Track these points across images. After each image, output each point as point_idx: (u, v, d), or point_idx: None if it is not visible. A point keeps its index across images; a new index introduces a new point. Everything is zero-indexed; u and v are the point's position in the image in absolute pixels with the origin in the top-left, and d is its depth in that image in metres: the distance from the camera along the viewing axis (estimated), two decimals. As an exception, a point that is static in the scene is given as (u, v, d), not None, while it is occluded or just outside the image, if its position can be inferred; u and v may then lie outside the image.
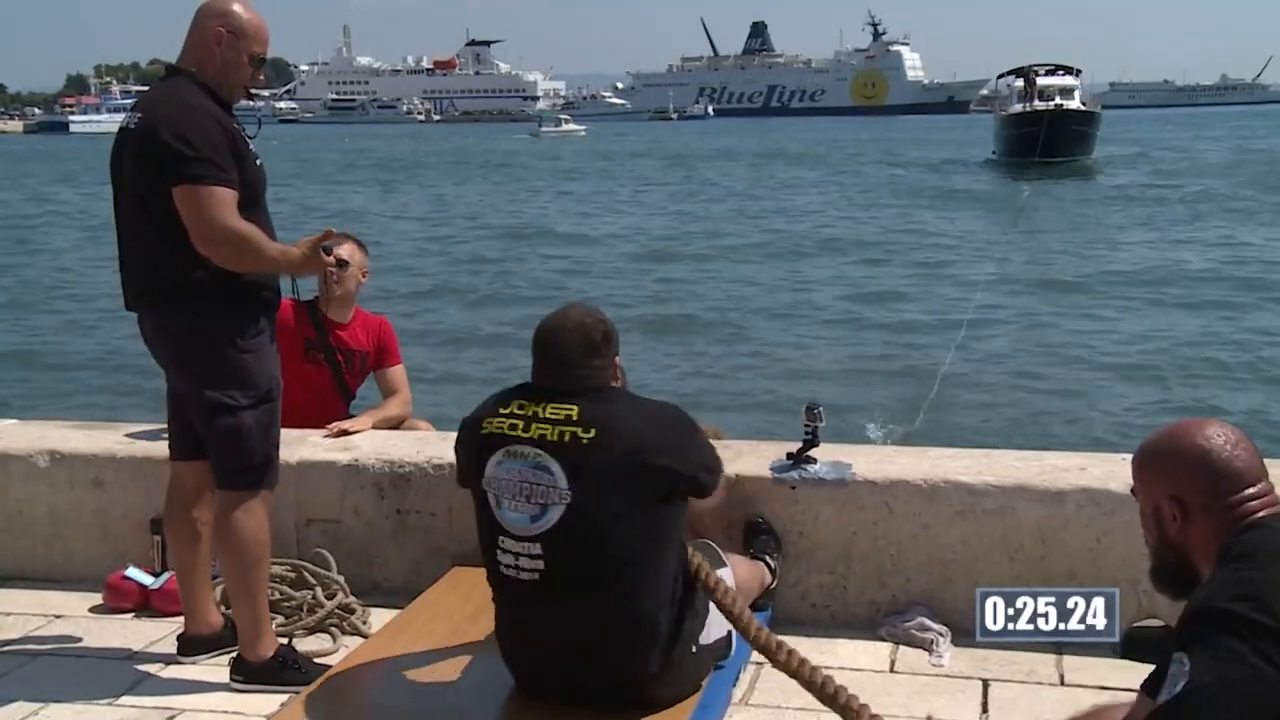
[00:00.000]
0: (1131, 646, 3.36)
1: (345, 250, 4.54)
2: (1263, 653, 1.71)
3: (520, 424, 2.71)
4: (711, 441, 3.03)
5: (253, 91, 3.33)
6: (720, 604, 2.81)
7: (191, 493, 3.39)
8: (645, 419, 2.72)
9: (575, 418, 2.67)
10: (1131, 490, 2.13)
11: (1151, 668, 2.20)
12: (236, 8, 3.21)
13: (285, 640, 3.43)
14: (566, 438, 2.66)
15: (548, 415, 2.69)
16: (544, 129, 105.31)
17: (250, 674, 3.27)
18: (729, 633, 2.98)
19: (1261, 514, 1.94)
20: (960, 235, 25.45)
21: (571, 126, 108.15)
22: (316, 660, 3.42)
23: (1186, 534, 2.00)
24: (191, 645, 3.49)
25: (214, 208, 3.03)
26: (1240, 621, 1.73)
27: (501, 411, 2.75)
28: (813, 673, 2.54)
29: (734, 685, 3.17)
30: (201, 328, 3.16)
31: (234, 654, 3.35)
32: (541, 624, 2.75)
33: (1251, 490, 1.96)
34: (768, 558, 3.57)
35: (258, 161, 3.21)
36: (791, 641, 3.49)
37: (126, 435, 4.27)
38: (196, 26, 3.21)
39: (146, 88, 3.60)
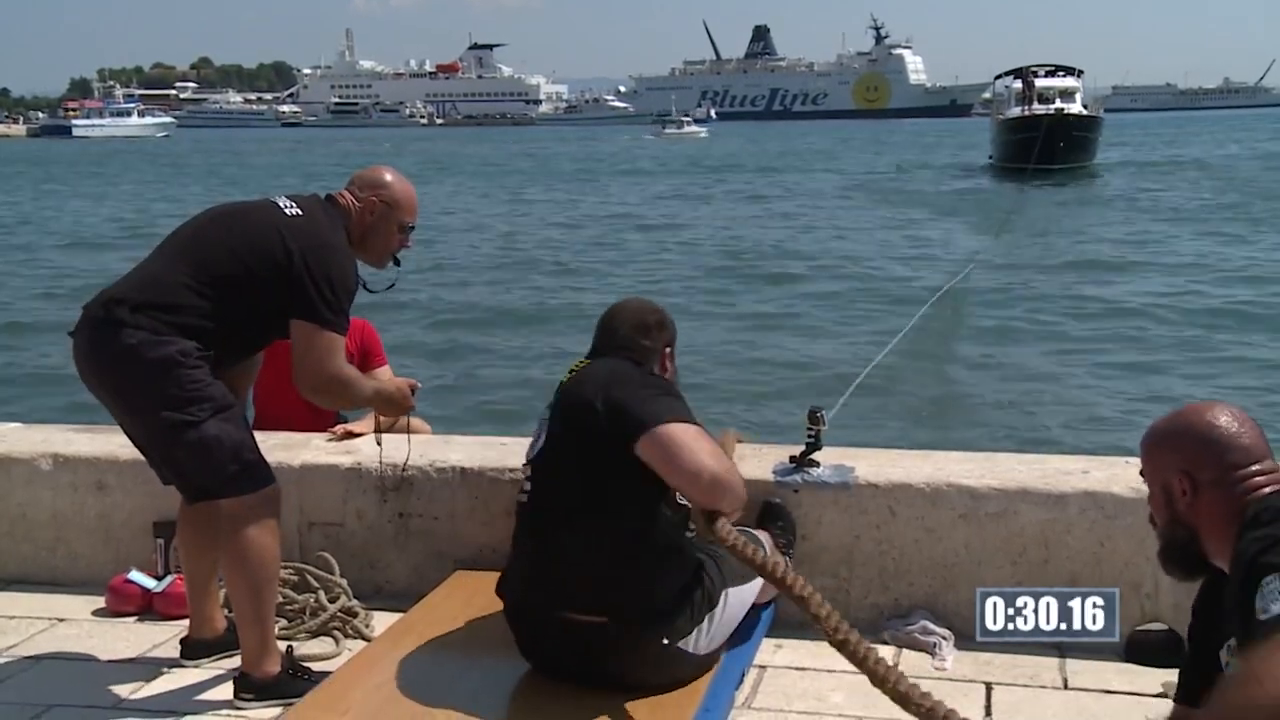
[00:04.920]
0: (1135, 650, 3.36)
1: None
2: None
3: (565, 379, 3.05)
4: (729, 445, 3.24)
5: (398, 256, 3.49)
6: (749, 560, 2.82)
7: (207, 506, 3.33)
8: (618, 368, 2.97)
9: (582, 366, 3.02)
10: (1140, 472, 2.17)
11: (1156, 672, 2.21)
12: (389, 178, 3.42)
13: (285, 648, 3.41)
14: (567, 380, 3.02)
15: (574, 367, 3.05)
16: (667, 130, 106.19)
17: (261, 691, 3.24)
18: (718, 650, 3.01)
19: (1268, 489, 1.98)
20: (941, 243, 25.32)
21: (692, 128, 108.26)
22: (320, 663, 3.44)
23: (1196, 509, 2.04)
24: (195, 648, 3.50)
25: (329, 355, 3.18)
26: None
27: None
28: (845, 631, 2.64)
29: (737, 689, 3.17)
30: (150, 354, 3.06)
31: (238, 671, 3.30)
32: (527, 541, 2.99)
33: (1258, 466, 2.01)
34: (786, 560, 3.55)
35: None
36: (794, 644, 3.53)
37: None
38: (354, 189, 3.40)
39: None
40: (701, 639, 2.92)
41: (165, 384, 3.07)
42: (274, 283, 3.14)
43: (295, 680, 3.25)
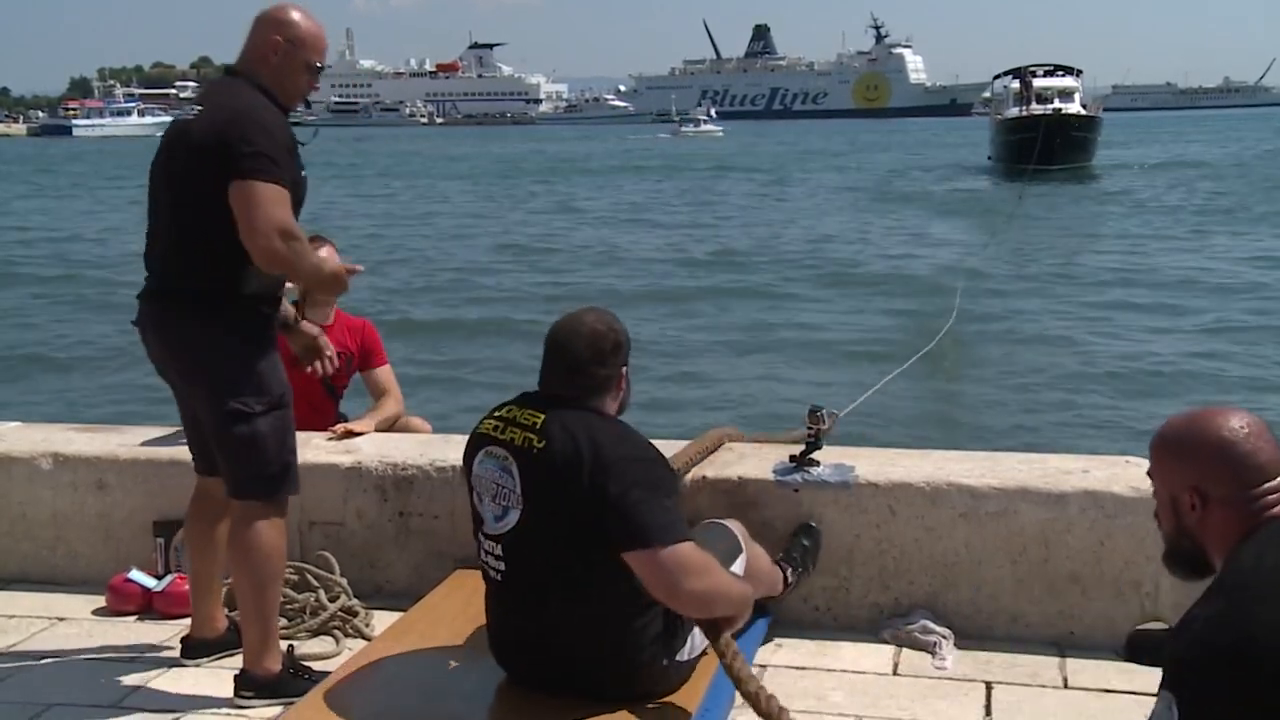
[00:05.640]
0: (1134, 649, 3.36)
1: (324, 252, 4.53)
2: (1247, 694, 1.69)
3: (501, 426, 2.78)
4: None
5: (309, 99, 3.37)
6: (728, 669, 2.78)
7: (219, 505, 3.35)
8: (593, 442, 2.65)
9: (538, 426, 2.71)
10: (1148, 473, 2.09)
11: (1156, 671, 2.20)
12: (295, 16, 3.24)
13: (286, 647, 3.40)
14: (526, 445, 2.71)
15: (521, 420, 2.75)
16: (683, 129, 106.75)
17: (261, 689, 3.24)
18: (695, 666, 2.93)
19: (1277, 508, 1.91)
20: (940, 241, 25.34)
21: (709, 127, 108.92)
22: (320, 662, 3.44)
23: (1205, 524, 1.96)
24: (196, 648, 3.50)
25: (267, 203, 3.01)
26: (1224, 666, 1.72)
27: (494, 414, 2.84)
28: None
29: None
30: (213, 334, 3.15)
31: (239, 669, 3.29)
32: (507, 617, 2.86)
33: (1271, 484, 1.93)
34: (788, 570, 3.50)
35: (302, 172, 3.21)
36: (794, 644, 3.53)
37: (130, 438, 4.28)
38: (255, 33, 3.23)
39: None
40: (695, 643, 2.89)
41: (227, 371, 3.14)
42: (220, 181, 3.03)
43: (296, 679, 3.25)
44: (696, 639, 2.89)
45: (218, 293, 3.12)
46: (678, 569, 2.61)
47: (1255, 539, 1.88)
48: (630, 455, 2.68)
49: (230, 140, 3.02)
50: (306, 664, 3.37)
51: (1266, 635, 1.71)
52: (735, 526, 3.31)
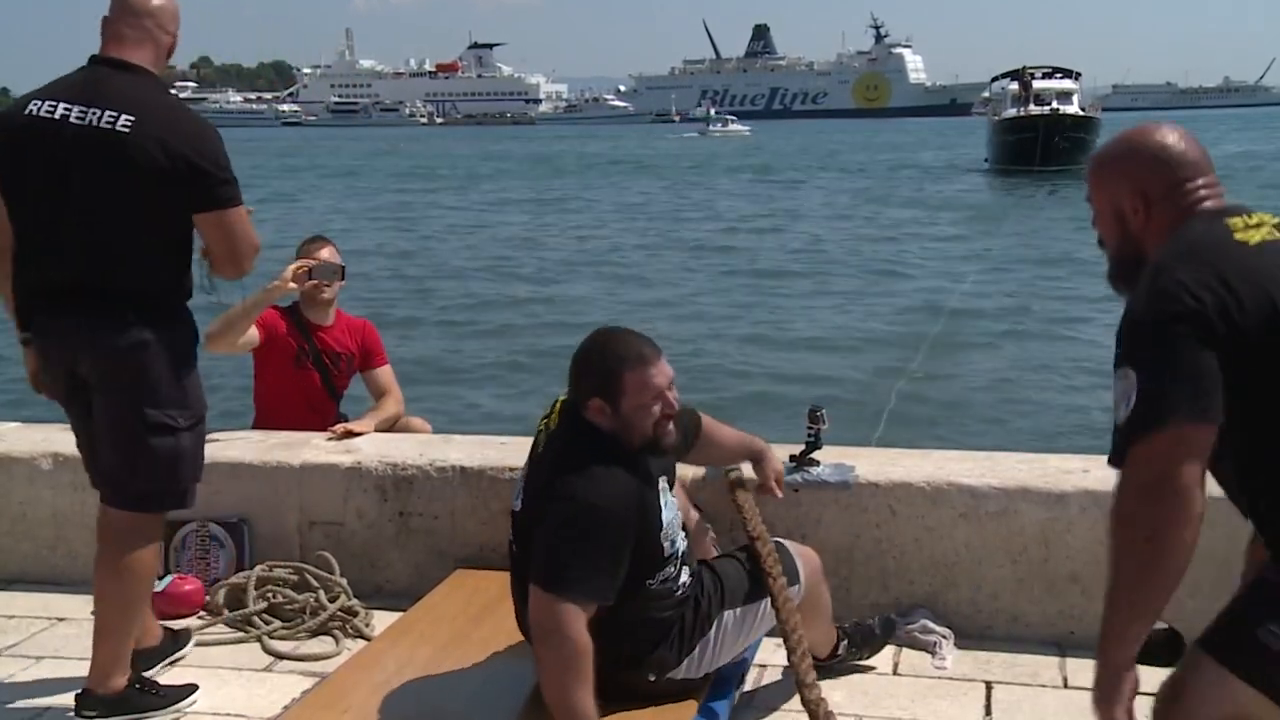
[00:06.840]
0: (1135, 649, 3.36)
1: (325, 253, 4.54)
2: (1195, 336, 1.88)
3: (549, 413, 2.86)
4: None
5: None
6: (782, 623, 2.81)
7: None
8: (566, 480, 2.63)
9: (549, 427, 2.81)
10: (1087, 198, 2.22)
11: (1156, 671, 2.18)
12: (160, 1, 3.11)
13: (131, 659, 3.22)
14: (536, 441, 2.83)
15: (552, 415, 2.84)
16: (712, 128, 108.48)
17: (109, 707, 3.09)
18: (705, 677, 2.90)
19: (1209, 203, 2.09)
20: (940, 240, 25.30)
21: (736, 127, 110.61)
22: (320, 662, 3.44)
23: (1148, 225, 2.12)
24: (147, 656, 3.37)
25: (244, 226, 3.06)
26: (1166, 323, 1.90)
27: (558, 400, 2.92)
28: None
29: (737, 689, 3.16)
30: (150, 344, 3.01)
31: (84, 689, 3.12)
32: (519, 591, 2.85)
33: (1204, 180, 2.11)
34: (843, 644, 3.34)
35: None
36: (794, 644, 3.51)
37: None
38: (138, 21, 3.06)
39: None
40: (694, 666, 2.84)
41: (154, 382, 3.01)
42: (185, 203, 2.96)
43: (143, 694, 3.15)
44: (694, 662, 2.84)
45: (147, 304, 3.02)
46: (546, 631, 2.55)
47: (1183, 224, 2.06)
48: (568, 494, 2.61)
49: (203, 167, 2.95)
50: (153, 679, 3.24)
51: (1192, 284, 1.90)
52: (806, 557, 3.12)
